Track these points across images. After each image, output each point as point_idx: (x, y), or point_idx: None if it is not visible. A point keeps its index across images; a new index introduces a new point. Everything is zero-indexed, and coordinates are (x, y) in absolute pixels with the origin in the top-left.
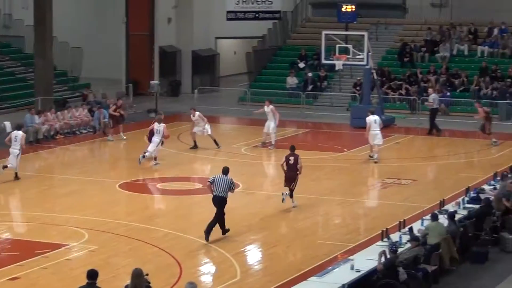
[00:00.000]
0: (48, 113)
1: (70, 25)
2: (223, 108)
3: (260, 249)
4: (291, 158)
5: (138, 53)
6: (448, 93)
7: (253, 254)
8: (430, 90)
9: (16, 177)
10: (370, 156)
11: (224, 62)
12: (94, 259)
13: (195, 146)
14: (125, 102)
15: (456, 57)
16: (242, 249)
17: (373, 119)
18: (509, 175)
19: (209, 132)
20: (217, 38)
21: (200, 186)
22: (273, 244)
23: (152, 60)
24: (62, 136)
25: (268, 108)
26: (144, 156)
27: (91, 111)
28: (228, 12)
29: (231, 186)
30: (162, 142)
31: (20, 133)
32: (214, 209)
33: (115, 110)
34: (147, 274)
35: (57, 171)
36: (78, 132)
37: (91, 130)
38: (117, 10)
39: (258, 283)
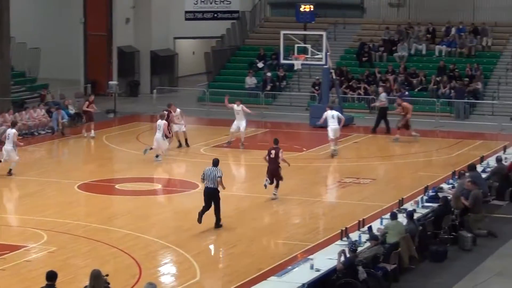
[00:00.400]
0: (6, 114)
1: (28, 25)
2: (182, 108)
3: (220, 249)
4: (273, 151)
5: (96, 54)
6: (407, 93)
7: (213, 254)
8: (380, 89)
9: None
10: (334, 153)
11: (182, 62)
12: (53, 260)
13: (180, 145)
14: (84, 103)
15: (414, 57)
16: (202, 249)
17: (330, 114)
18: (467, 174)
19: (184, 129)
20: (175, 38)
21: (159, 186)
22: (233, 244)
23: (111, 60)
24: (21, 137)
25: (238, 107)
26: (151, 148)
27: (49, 112)
28: (186, 12)
29: (217, 174)
30: (166, 136)
31: (12, 131)
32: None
33: (88, 106)
34: (107, 275)
35: (16, 172)
36: (36, 133)
37: (49, 131)
38: (75, 11)
39: (218, 283)
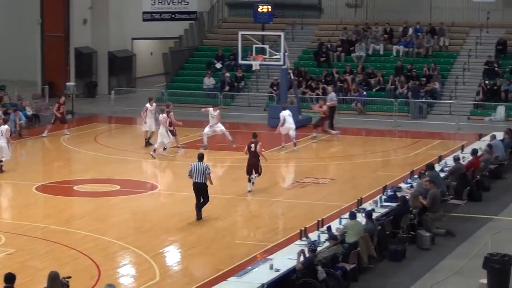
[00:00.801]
0: None
1: None
2: (140, 109)
3: (179, 250)
4: (252, 145)
5: (54, 55)
6: (365, 93)
7: (172, 255)
8: (329, 88)
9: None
10: (282, 147)
11: (140, 63)
12: (11, 262)
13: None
14: (41, 104)
15: (372, 57)
16: (161, 250)
17: (287, 113)
18: (426, 173)
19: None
20: (133, 39)
21: (118, 187)
22: (192, 245)
23: (68, 61)
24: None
25: (215, 112)
26: (154, 151)
27: (6, 113)
28: (144, 13)
29: (207, 170)
30: (172, 133)
31: (5, 127)
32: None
33: (58, 109)
34: (69, 277)
35: None
36: None
37: None
38: (32, 11)
39: (178, 284)
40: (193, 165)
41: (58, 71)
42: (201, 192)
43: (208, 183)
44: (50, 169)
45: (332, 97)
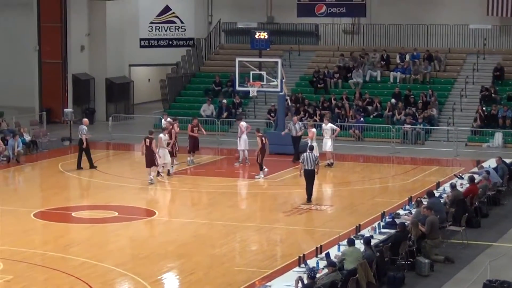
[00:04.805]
0: None
1: None
2: (138, 135)
3: (177, 277)
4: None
5: (51, 81)
6: (362, 119)
7: (171, 282)
8: (295, 119)
9: None
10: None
11: (138, 90)
12: None
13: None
14: (39, 130)
15: (369, 83)
16: (159, 277)
17: (245, 125)
18: (427, 200)
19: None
20: (130, 65)
21: (116, 214)
22: (190, 271)
23: (66, 88)
24: None
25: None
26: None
27: (4, 140)
28: (141, 39)
29: (316, 161)
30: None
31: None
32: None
33: (192, 130)
34: None
35: None
36: None
37: (4, 159)
38: (29, 38)
39: None
40: (304, 155)
41: (56, 98)
42: (311, 177)
43: (316, 170)
44: (48, 195)
45: (299, 126)
